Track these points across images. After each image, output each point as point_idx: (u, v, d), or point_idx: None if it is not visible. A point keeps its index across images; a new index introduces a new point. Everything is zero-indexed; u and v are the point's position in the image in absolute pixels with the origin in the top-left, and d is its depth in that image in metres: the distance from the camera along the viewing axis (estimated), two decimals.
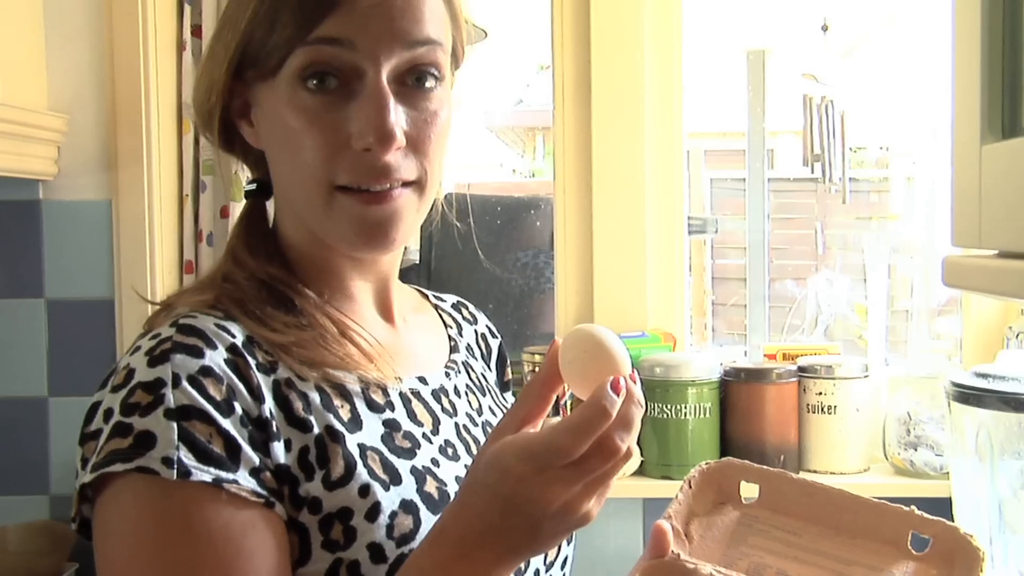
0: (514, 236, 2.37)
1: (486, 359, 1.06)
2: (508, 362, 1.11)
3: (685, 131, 1.92)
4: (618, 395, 0.67)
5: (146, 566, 0.70)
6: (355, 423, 0.80)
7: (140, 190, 1.86)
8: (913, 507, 0.84)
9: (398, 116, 0.78)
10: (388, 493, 0.77)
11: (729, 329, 3.25)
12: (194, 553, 0.70)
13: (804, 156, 2.33)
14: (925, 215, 2.16)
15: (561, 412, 1.61)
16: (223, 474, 0.71)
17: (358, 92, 0.78)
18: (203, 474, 0.70)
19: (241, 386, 0.75)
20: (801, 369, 1.75)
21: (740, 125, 2.17)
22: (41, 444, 1.90)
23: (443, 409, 0.89)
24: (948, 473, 1.58)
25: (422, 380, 0.89)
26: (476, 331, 1.06)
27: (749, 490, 0.88)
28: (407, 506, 0.78)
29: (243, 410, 0.74)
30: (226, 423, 0.72)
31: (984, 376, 1.38)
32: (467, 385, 0.96)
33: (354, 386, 0.82)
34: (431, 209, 0.87)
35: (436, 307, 1.03)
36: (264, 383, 0.76)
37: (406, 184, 0.80)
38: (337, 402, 0.80)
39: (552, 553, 0.89)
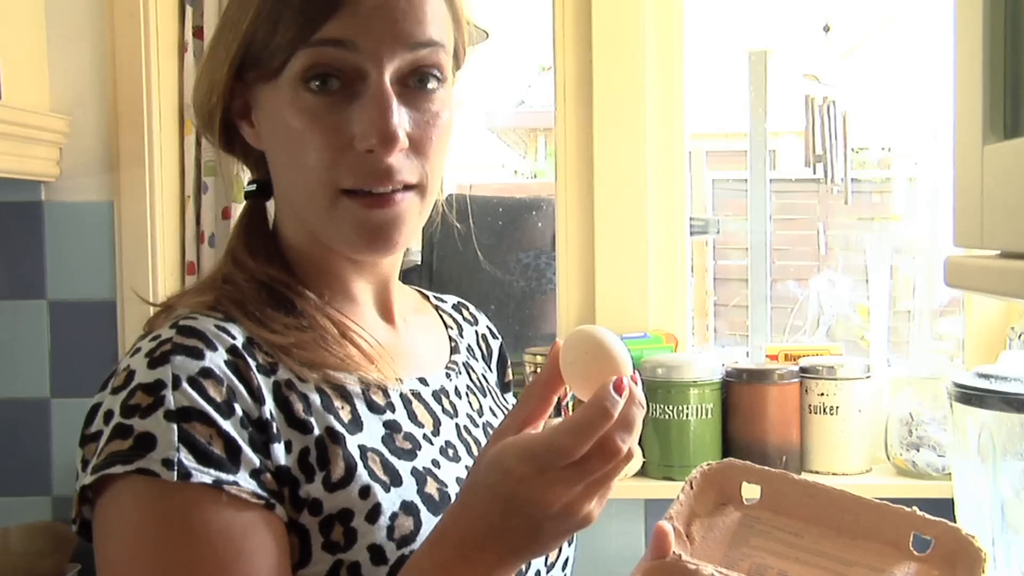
0: (516, 237, 2.37)
1: (487, 360, 1.06)
2: (509, 363, 1.11)
3: (687, 132, 1.92)
4: (620, 396, 0.67)
5: (146, 568, 0.70)
6: (355, 424, 0.80)
7: (142, 191, 1.86)
8: (915, 508, 0.84)
9: (401, 117, 0.78)
10: (389, 494, 0.77)
11: (731, 330, 3.24)
12: (194, 555, 0.70)
13: (806, 157, 2.33)
14: (927, 215, 2.16)
15: (563, 413, 1.61)
16: (223, 476, 0.71)
17: (361, 93, 0.78)
18: (203, 476, 0.70)
19: (241, 387, 0.75)
20: (803, 370, 1.75)
21: (742, 126, 2.17)
22: (43, 445, 1.91)
23: (444, 410, 0.89)
24: (950, 474, 1.58)
25: (423, 381, 0.89)
26: (477, 332, 1.06)
27: (751, 491, 0.88)
28: (408, 507, 0.78)
29: (243, 411, 0.74)
30: (226, 424, 0.72)
31: (986, 377, 1.38)
32: (468, 386, 0.96)
33: (354, 387, 0.82)
34: (432, 210, 0.87)
35: (437, 308, 1.03)
36: (264, 384, 0.76)
37: (408, 187, 0.80)
38: (337, 403, 0.80)
39: (553, 554, 0.89)
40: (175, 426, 0.71)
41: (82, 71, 1.87)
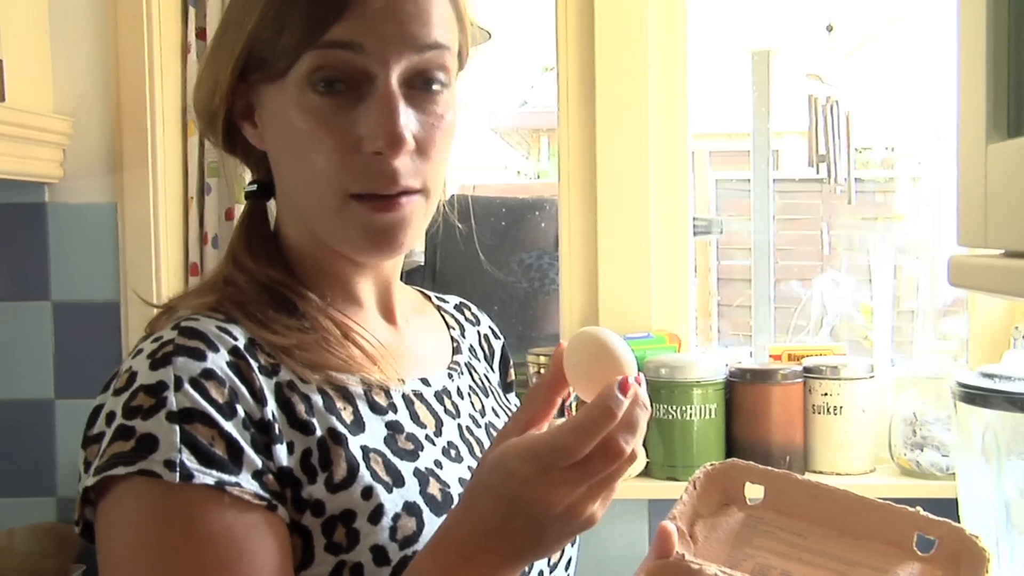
0: (518, 237, 2.36)
1: (489, 360, 1.06)
2: (511, 363, 1.10)
3: (690, 132, 1.92)
4: (624, 396, 0.67)
5: (148, 569, 0.70)
6: (358, 425, 0.80)
7: (145, 192, 1.87)
8: (919, 508, 0.83)
9: (408, 119, 0.78)
10: (391, 495, 0.77)
11: (734, 330, 3.24)
12: (196, 556, 0.70)
13: (809, 157, 2.32)
14: (931, 215, 2.16)
15: (566, 415, 1.61)
16: (225, 477, 0.71)
17: (367, 95, 0.78)
18: (205, 477, 0.70)
19: (243, 389, 0.74)
20: (806, 370, 1.75)
21: (745, 126, 2.17)
22: (48, 446, 1.91)
23: (446, 411, 0.89)
24: (954, 474, 1.58)
25: (425, 382, 0.89)
26: (479, 332, 1.06)
27: (754, 491, 0.88)
28: (410, 508, 0.78)
29: (245, 413, 0.74)
30: (228, 426, 0.72)
31: (990, 376, 1.37)
32: (470, 386, 0.95)
33: (356, 388, 0.82)
34: (435, 211, 0.87)
35: (438, 308, 1.03)
36: (266, 386, 0.76)
37: (413, 191, 0.80)
38: (339, 404, 0.80)
39: (556, 554, 0.89)
40: (177, 427, 0.71)
41: (85, 72, 1.88)
